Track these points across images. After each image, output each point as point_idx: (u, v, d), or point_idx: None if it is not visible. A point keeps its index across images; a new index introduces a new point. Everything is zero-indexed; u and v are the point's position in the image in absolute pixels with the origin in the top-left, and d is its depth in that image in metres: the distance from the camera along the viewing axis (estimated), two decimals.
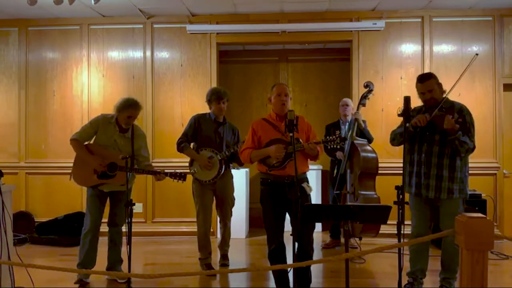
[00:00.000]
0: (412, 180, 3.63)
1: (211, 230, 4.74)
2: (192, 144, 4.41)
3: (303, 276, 3.32)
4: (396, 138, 3.76)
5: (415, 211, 3.66)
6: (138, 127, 4.17)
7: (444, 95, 3.59)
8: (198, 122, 4.37)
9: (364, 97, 4.90)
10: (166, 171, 3.88)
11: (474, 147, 3.50)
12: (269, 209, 3.39)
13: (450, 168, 3.50)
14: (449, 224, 3.37)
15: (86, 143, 4.03)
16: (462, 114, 3.47)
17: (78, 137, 3.97)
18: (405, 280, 3.59)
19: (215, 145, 4.31)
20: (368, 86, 4.89)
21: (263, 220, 3.44)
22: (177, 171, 3.86)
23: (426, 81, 3.55)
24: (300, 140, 3.37)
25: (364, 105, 4.92)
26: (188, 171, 4.27)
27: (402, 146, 3.59)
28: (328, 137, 3.43)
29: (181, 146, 4.32)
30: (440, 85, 3.60)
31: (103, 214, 4.06)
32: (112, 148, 3.97)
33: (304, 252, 3.28)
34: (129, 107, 3.94)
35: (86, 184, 3.99)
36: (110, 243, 4.11)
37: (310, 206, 3.09)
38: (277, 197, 3.36)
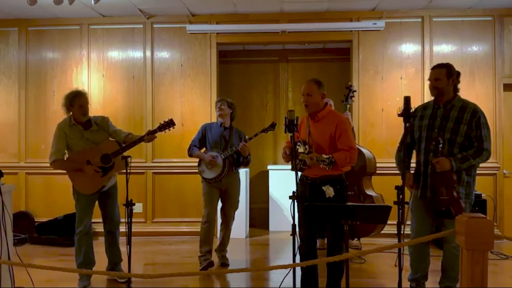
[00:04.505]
0: (417, 181, 3.47)
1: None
2: (203, 150, 4.70)
3: (335, 269, 3.42)
4: (399, 164, 3.63)
5: (416, 214, 3.49)
6: (93, 116, 4.11)
7: (457, 93, 3.47)
8: (205, 130, 4.71)
9: (351, 97, 5.20)
10: (152, 129, 4.01)
11: (489, 154, 3.33)
12: (299, 209, 3.35)
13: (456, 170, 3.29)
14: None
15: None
16: (476, 115, 3.31)
17: (56, 157, 3.88)
18: (405, 283, 3.51)
19: (221, 147, 4.59)
20: (350, 87, 5.23)
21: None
22: (163, 122, 4.03)
23: (436, 69, 3.46)
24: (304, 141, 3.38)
25: (350, 104, 5.27)
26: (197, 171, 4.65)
27: (402, 145, 3.54)
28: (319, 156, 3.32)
29: (190, 150, 4.66)
30: (453, 79, 3.41)
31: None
32: (89, 147, 3.91)
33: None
34: (75, 98, 3.92)
35: (95, 189, 3.89)
36: (109, 243, 4.08)
37: (310, 205, 3.09)
38: (302, 197, 3.36)
